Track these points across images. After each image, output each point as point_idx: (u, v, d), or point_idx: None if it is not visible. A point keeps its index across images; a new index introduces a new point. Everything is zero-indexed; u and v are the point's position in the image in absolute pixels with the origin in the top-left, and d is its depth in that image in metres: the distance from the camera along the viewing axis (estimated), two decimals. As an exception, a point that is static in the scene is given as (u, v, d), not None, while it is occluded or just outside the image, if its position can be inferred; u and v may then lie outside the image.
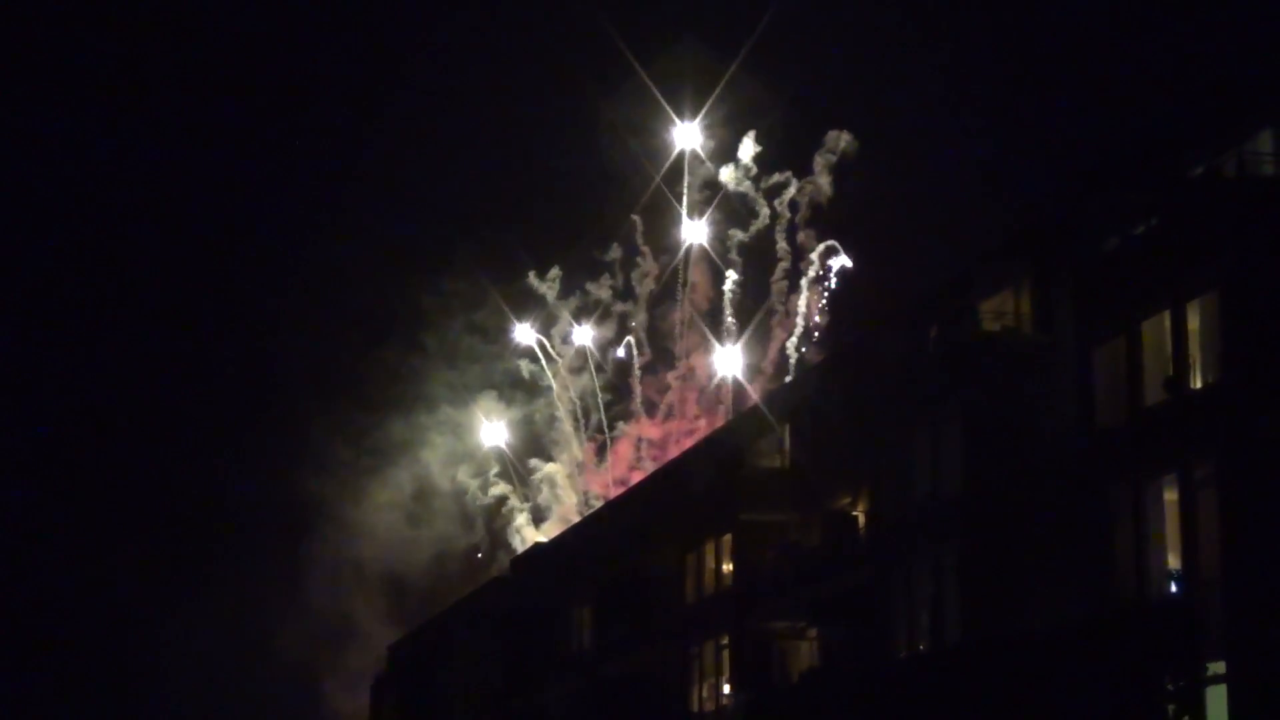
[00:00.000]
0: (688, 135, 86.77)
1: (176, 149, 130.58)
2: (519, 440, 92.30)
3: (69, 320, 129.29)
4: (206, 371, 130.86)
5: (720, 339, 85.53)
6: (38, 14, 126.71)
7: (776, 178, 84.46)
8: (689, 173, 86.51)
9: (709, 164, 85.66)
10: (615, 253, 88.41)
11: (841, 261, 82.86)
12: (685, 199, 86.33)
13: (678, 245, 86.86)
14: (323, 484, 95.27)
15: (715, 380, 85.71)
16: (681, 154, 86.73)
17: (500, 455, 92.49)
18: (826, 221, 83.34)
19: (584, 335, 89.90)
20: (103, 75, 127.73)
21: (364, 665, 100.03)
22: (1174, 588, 38.65)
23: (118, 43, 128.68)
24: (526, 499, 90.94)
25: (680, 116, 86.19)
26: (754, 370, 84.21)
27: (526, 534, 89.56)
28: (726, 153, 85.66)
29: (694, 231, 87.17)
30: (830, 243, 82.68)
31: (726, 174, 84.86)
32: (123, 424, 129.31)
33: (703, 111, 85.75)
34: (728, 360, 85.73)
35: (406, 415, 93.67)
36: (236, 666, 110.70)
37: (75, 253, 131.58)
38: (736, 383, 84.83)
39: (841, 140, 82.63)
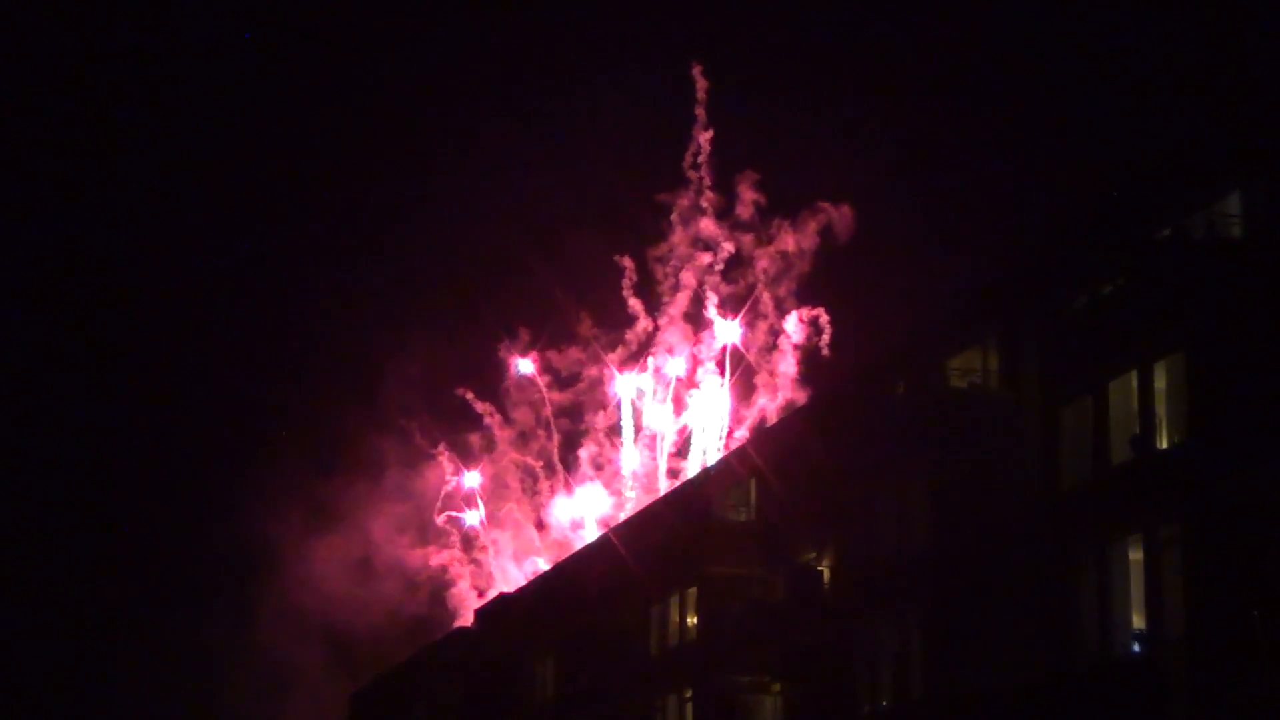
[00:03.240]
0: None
1: (143, 206, 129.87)
2: (468, 501, 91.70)
3: (32, 368, 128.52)
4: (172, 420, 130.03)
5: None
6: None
7: (772, 229, 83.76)
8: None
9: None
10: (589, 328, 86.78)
11: (817, 320, 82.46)
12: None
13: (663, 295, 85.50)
14: (274, 539, 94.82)
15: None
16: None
17: (448, 521, 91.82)
18: (804, 280, 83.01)
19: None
20: (66, 135, 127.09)
21: (319, 718, 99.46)
22: (1138, 647, 38.68)
23: (83, 97, 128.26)
24: (470, 563, 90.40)
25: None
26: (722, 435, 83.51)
27: (468, 599, 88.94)
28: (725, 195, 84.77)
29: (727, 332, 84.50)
30: (816, 311, 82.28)
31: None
32: (75, 474, 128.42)
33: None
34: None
35: (359, 477, 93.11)
36: (186, 716, 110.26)
37: (38, 300, 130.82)
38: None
39: (834, 216, 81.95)
